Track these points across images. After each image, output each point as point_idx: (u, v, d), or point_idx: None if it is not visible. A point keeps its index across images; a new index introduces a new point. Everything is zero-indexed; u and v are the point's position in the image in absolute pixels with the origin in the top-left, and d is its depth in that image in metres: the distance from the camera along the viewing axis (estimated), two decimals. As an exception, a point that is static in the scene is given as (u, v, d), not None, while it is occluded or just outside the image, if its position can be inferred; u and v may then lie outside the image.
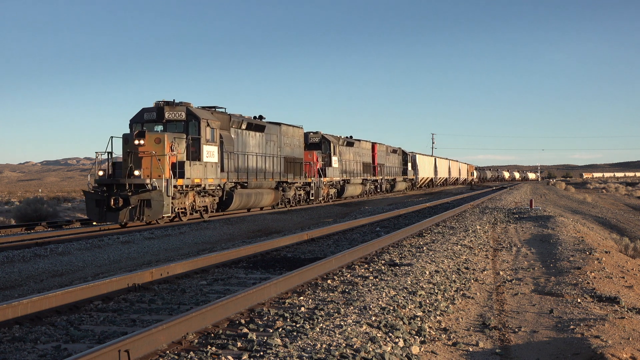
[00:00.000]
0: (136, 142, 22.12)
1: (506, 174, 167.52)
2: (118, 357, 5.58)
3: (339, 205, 38.47)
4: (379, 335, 6.90)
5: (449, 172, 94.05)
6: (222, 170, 25.94)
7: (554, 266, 13.00)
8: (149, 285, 9.72)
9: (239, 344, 6.34)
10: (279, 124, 32.92)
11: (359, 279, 10.24)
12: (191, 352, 6.08)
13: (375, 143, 55.08)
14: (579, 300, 9.74)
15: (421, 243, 15.47)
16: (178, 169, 22.70)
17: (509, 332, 8.08)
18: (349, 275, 10.55)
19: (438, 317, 8.30)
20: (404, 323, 7.59)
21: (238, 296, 7.77)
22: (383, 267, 11.46)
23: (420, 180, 73.94)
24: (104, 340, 6.70)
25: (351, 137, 48.48)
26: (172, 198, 22.51)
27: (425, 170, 76.00)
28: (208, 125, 24.51)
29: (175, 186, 22.50)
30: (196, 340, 6.53)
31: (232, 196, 26.65)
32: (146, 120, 24.32)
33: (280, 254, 13.84)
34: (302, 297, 8.68)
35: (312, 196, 37.99)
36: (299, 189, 36.27)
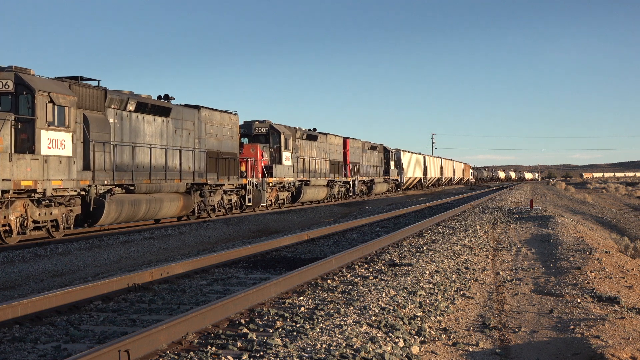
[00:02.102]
0: None
1: (501, 174, 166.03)
2: (118, 357, 5.57)
3: (339, 205, 38.51)
4: (379, 335, 6.90)
5: (442, 171, 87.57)
6: (86, 168, 18.69)
7: (554, 266, 13.00)
8: (149, 285, 9.72)
9: (239, 344, 6.34)
10: (197, 107, 25.62)
11: (359, 279, 10.24)
12: (191, 352, 6.08)
13: (348, 138, 46.21)
14: (579, 300, 9.74)
15: (421, 243, 15.47)
16: None
17: (509, 332, 8.09)
18: (349, 275, 10.55)
19: (438, 317, 8.30)
20: (404, 323, 7.59)
21: (238, 296, 7.77)
22: (383, 267, 11.46)
23: (407, 181, 65.47)
24: (104, 340, 6.70)
25: (315, 129, 39.96)
26: None
27: (412, 170, 67.84)
28: (52, 101, 16.95)
29: None
30: (196, 340, 6.53)
31: (102, 205, 19.03)
32: None
33: (280, 254, 13.84)
34: (302, 297, 8.68)
35: (248, 202, 29.27)
36: (229, 192, 28.17)
